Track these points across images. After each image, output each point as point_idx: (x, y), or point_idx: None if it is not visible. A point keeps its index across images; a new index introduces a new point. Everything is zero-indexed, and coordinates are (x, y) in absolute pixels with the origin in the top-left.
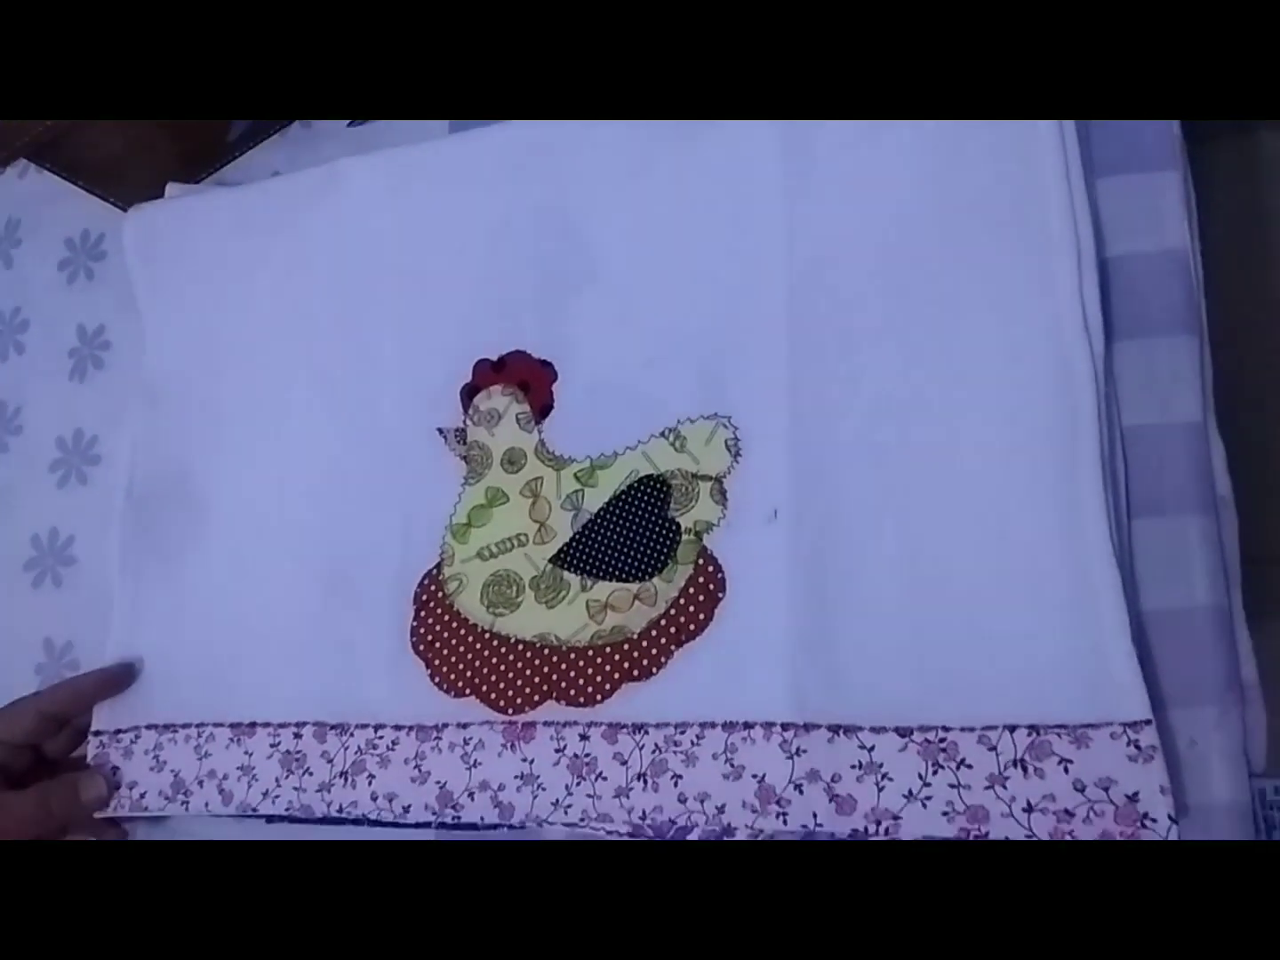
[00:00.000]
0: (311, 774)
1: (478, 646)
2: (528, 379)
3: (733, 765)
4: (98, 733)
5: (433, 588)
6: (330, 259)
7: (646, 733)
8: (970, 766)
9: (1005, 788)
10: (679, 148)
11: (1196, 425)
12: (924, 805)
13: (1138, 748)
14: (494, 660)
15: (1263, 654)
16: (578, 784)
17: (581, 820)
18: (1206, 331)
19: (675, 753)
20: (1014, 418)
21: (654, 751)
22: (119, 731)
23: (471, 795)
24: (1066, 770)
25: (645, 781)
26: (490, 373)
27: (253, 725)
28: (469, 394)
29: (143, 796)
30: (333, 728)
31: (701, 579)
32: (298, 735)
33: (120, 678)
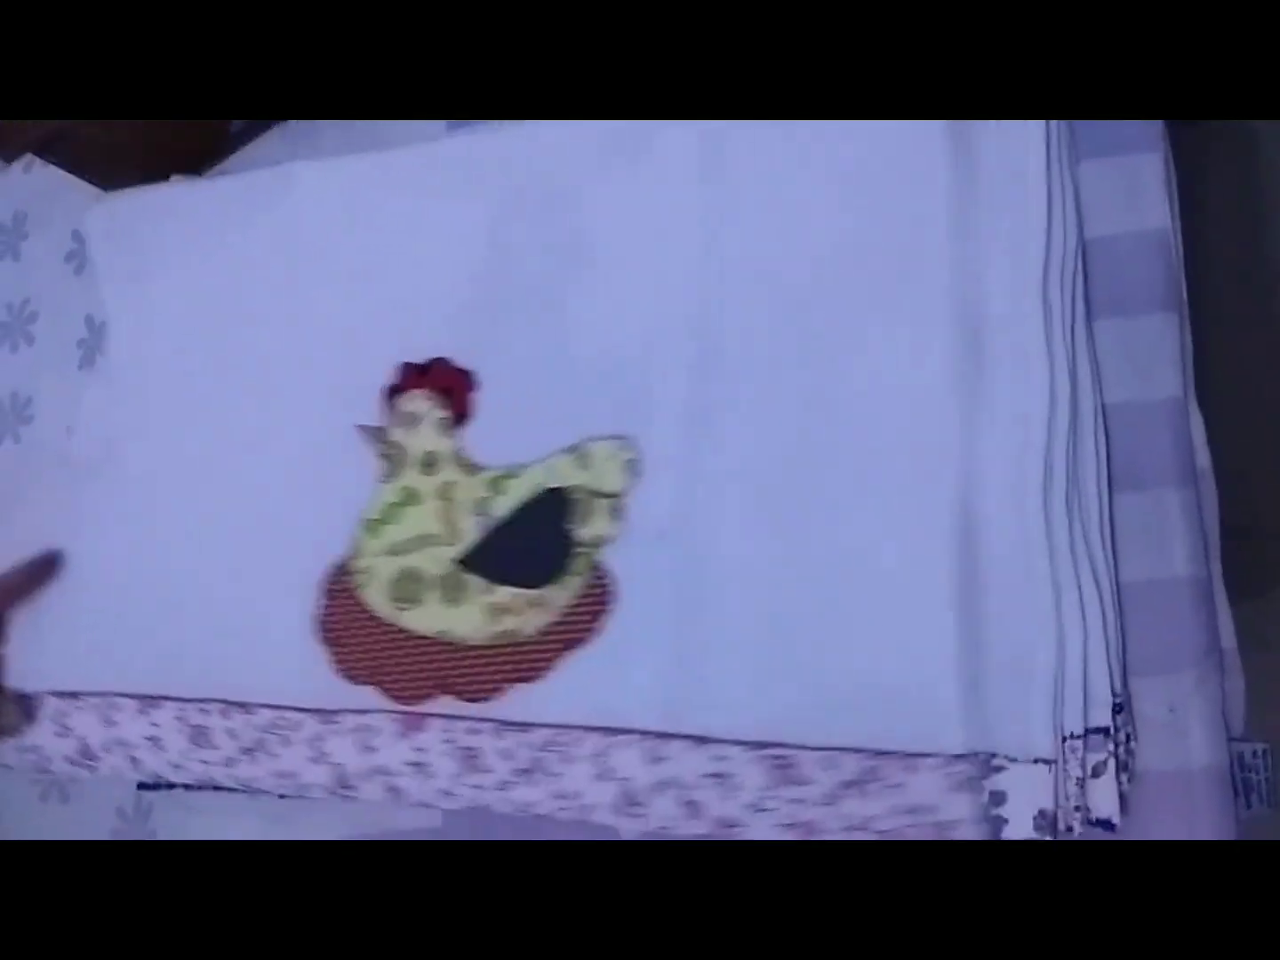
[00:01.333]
0: (217, 748)
1: (380, 638)
2: (450, 385)
3: (603, 768)
4: None
5: (342, 579)
6: (274, 258)
7: (530, 731)
8: (810, 784)
9: (838, 806)
10: (605, 173)
11: (1177, 400)
12: (766, 816)
13: (957, 780)
14: (395, 653)
15: (1243, 623)
16: (464, 775)
17: (466, 809)
18: (1186, 309)
19: (554, 751)
20: (875, 469)
21: (536, 749)
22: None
23: (365, 778)
24: (894, 794)
25: (526, 777)
26: (414, 376)
27: (160, 698)
28: (392, 395)
29: (48, 761)
30: (237, 706)
31: (592, 591)
32: (204, 711)
33: (43, 569)
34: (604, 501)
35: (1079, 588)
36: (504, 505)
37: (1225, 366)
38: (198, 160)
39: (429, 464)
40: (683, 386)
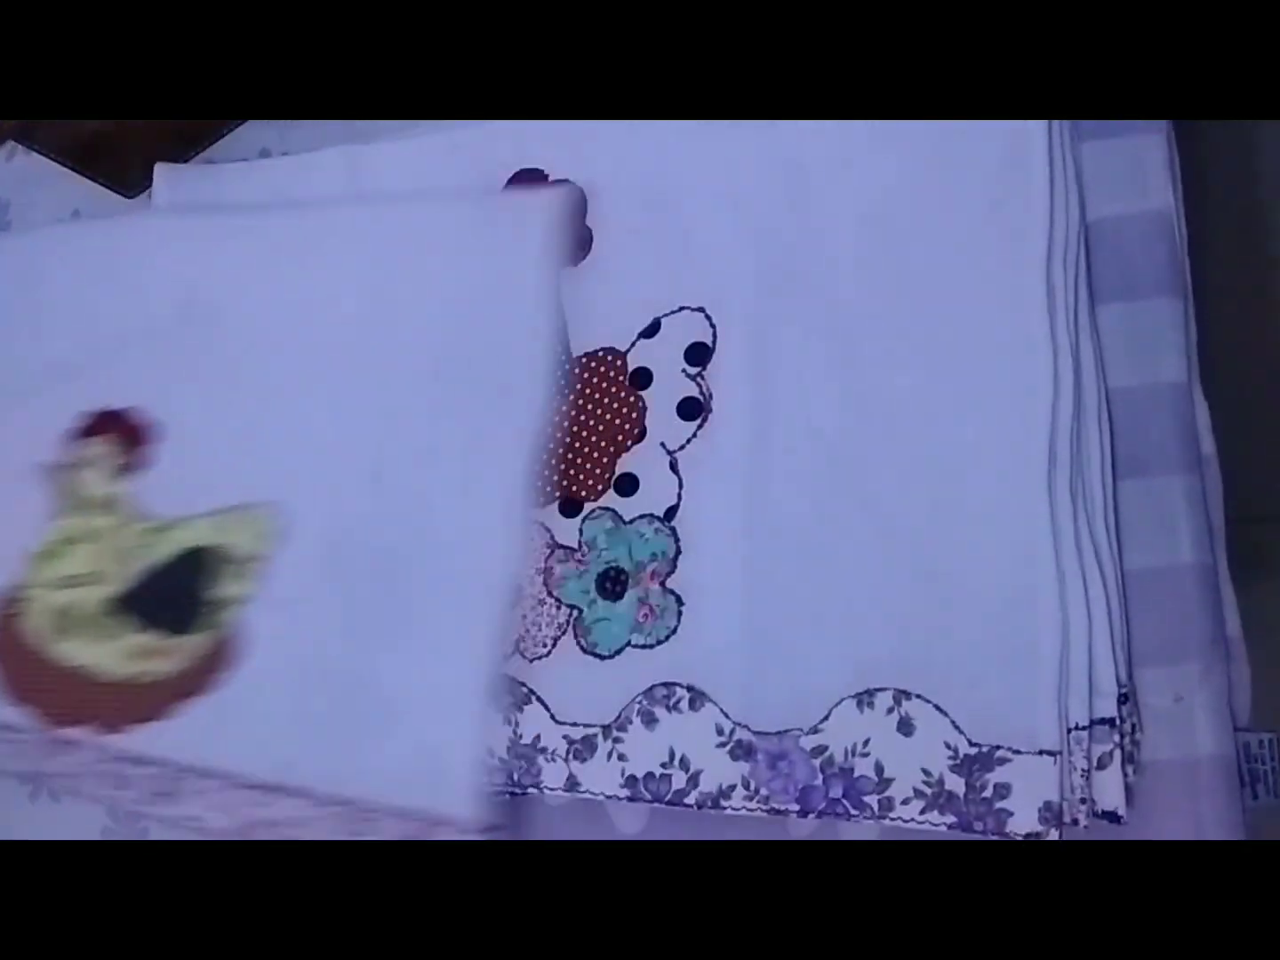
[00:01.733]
0: None
1: (34, 666)
2: (130, 435)
3: (215, 803)
4: None
5: (5, 607)
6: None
7: (155, 765)
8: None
9: None
10: (274, 259)
11: (1181, 385)
12: None
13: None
14: (45, 680)
15: (1246, 609)
16: (114, 791)
17: (125, 817)
18: (1190, 293)
19: (176, 782)
20: (439, 552)
21: (161, 780)
22: None
23: (51, 778)
24: None
25: (160, 799)
26: (97, 421)
27: None
28: (75, 437)
29: None
30: None
31: (222, 645)
32: None
33: None
34: (244, 564)
35: (1083, 576)
36: (161, 554)
37: (1230, 352)
38: (184, 146)
39: (100, 507)
40: (327, 456)
